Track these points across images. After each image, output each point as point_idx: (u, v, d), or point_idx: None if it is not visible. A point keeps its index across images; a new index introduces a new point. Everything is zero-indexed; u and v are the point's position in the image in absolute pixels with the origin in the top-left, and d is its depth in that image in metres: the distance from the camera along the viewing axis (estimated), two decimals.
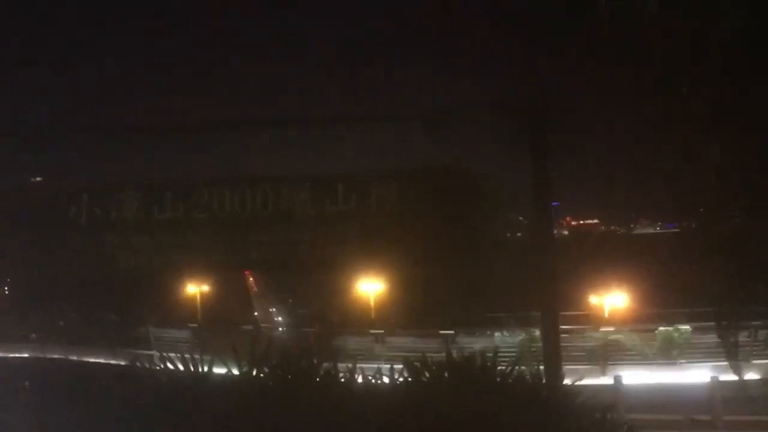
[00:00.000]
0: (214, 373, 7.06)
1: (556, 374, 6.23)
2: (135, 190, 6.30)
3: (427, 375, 7.12)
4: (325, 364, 7.30)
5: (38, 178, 6.65)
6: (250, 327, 23.49)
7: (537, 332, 19.07)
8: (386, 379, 7.30)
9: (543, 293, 6.05)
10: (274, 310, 45.15)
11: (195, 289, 37.43)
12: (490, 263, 6.99)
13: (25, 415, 7.01)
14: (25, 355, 24.85)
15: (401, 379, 7.37)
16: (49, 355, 24.33)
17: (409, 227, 6.32)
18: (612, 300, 25.69)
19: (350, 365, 6.28)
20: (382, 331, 19.74)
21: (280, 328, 29.75)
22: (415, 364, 7.47)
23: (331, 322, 26.70)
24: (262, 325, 28.96)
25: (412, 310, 25.26)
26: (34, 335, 25.82)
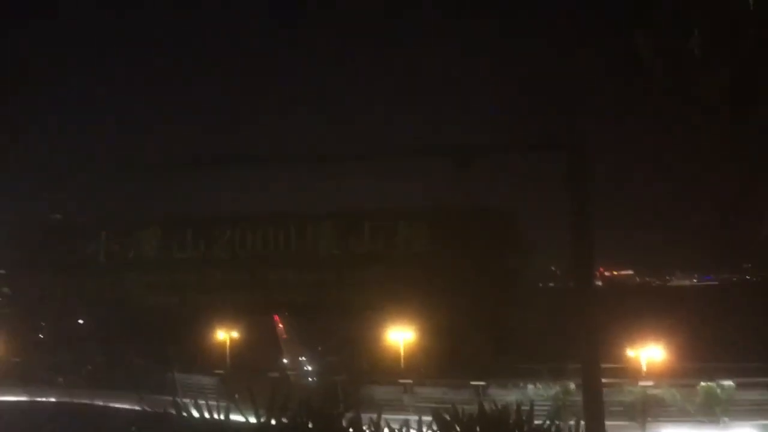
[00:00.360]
0: (232, 420, 6.73)
1: (598, 431, 5.75)
2: (154, 227, 6.08)
3: (458, 429, 6.69)
4: (349, 414, 6.92)
5: (57, 215, 6.47)
6: (276, 374, 23.02)
7: (572, 385, 18.36)
8: None
9: (584, 345, 5.60)
10: (302, 357, 44.61)
11: (224, 335, 37.23)
12: (523, 312, 6.57)
13: None
14: (52, 399, 24.66)
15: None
16: (75, 400, 24.10)
17: (439, 270, 5.97)
18: (649, 353, 24.77)
19: (375, 416, 5.87)
20: (411, 381, 19.11)
21: (309, 377, 29.19)
22: (446, 416, 7.04)
23: (360, 370, 26.13)
24: (290, 372, 28.44)
25: (441, 359, 24.60)
26: (61, 379, 25.68)
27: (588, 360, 5.76)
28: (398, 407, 17.43)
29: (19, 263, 6.34)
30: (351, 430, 6.46)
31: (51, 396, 24.59)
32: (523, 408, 7.11)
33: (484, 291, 5.98)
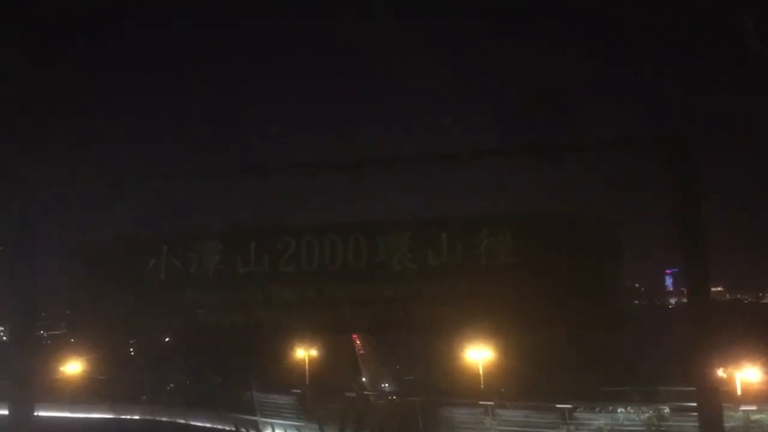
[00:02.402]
0: None
1: None
2: (215, 240, 5.66)
3: None
4: None
5: (120, 232, 6.15)
6: (353, 394, 22.52)
7: (666, 409, 17.04)
8: None
9: (700, 368, 4.78)
10: (380, 376, 44.18)
11: (303, 353, 37.21)
12: (614, 331, 5.77)
13: None
14: (136, 417, 25.00)
15: None
16: (157, 417, 24.34)
17: (525, 283, 5.29)
18: (744, 374, 23.00)
19: None
20: (492, 403, 18.19)
21: (387, 397, 28.60)
22: None
23: (438, 391, 25.36)
24: (367, 392, 27.93)
25: (525, 380, 23.57)
26: (144, 397, 26.06)
27: (705, 383, 4.93)
28: (479, 430, 16.58)
29: (81, 281, 6.04)
30: None
31: (135, 413, 24.94)
32: None
33: (571, 306, 5.26)
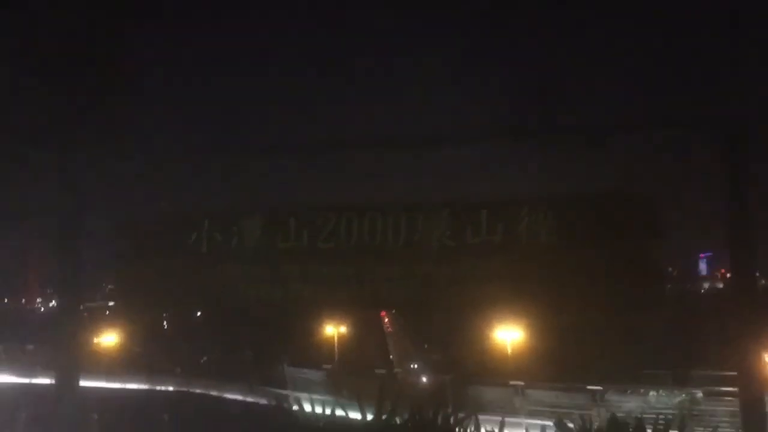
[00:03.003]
0: (342, 418, 6.36)
1: None
2: (257, 216, 5.72)
3: None
4: (461, 415, 6.36)
5: (162, 203, 6.25)
6: (383, 371, 22.73)
7: (699, 393, 16.88)
8: None
9: (743, 352, 4.72)
10: (409, 354, 44.39)
11: (333, 330, 37.62)
12: (651, 313, 5.72)
13: None
14: (171, 388, 25.57)
15: None
16: (191, 389, 24.86)
17: (562, 265, 5.26)
18: None
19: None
20: (522, 383, 18.21)
21: (415, 375, 28.79)
22: (569, 425, 6.32)
23: (467, 370, 25.46)
24: (396, 370, 28.14)
25: (556, 361, 23.50)
26: (179, 369, 26.62)
27: (747, 368, 4.87)
28: (509, 410, 16.58)
29: (126, 255, 6.17)
30: None
31: (170, 385, 25.51)
32: (659, 423, 6.29)
33: (608, 288, 5.22)
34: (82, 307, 6.86)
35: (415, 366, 37.34)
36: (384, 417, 5.89)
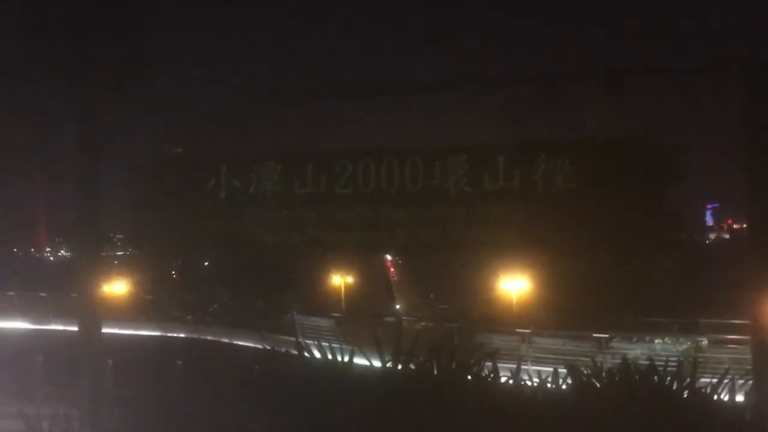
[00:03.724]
0: (356, 364, 6.45)
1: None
2: (274, 161, 5.75)
3: (598, 386, 6.05)
4: (472, 360, 6.46)
5: (178, 149, 6.27)
6: (392, 319, 23.05)
7: (705, 341, 17.09)
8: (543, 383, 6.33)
9: (756, 300, 4.78)
10: (415, 304, 44.89)
11: (340, 279, 38.04)
12: (662, 261, 5.78)
13: (172, 390, 6.88)
14: (182, 335, 26.00)
15: (564, 386, 6.35)
16: (202, 336, 25.28)
17: (579, 211, 5.30)
18: None
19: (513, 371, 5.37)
20: (529, 331, 18.47)
21: (422, 323, 29.17)
22: (583, 370, 6.42)
23: (473, 318, 25.78)
24: (404, 318, 28.53)
25: (562, 309, 23.78)
26: (189, 317, 27.01)
27: (760, 314, 4.95)
28: (516, 357, 16.87)
29: (140, 199, 6.20)
30: (480, 380, 5.98)
31: (181, 332, 25.95)
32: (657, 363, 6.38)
33: (623, 236, 5.26)
34: (102, 255, 6.95)
35: (422, 315, 37.86)
36: (398, 364, 5.99)
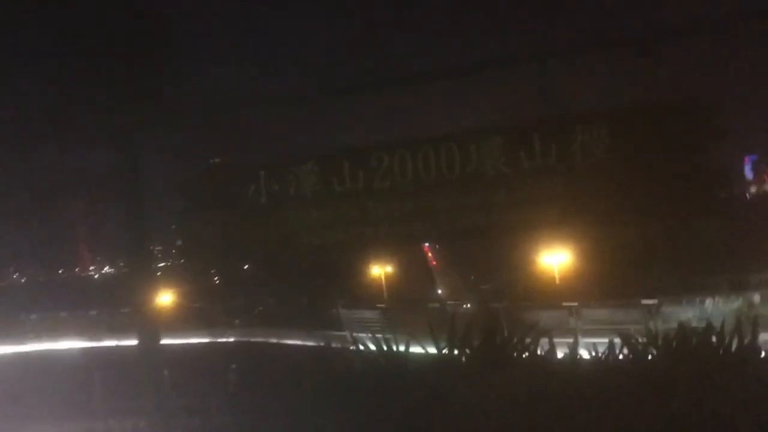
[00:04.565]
0: (411, 353, 6.50)
1: None
2: (312, 162, 5.82)
3: (655, 353, 6.03)
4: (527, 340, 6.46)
5: (216, 160, 6.37)
6: (437, 305, 23.10)
7: (757, 297, 16.79)
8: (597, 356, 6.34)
9: None
10: (457, 287, 44.81)
11: (379, 270, 38.19)
12: (712, 220, 5.71)
13: (233, 395, 7.01)
14: (231, 339, 26.42)
15: (621, 356, 6.34)
16: (251, 339, 25.65)
17: (620, 179, 5.26)
18: None
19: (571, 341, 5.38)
20: (576, 304, 18.33)
21: (466, 305, 29.15)
22: (638, 339, 6.40)
23: (517, 297, 25.66)
24: (448, 302, 28.54)
25: (610, 279, 23.54)
26: (237, 321, 27.44)
27: None
28: (566, 331, 16.78)
29: (184, 211, 6.34)
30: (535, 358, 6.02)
31: (230, 337, 26.37)
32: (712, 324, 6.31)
33: (676, 197, 5.20)
34: (153, 268, 7.12)
35: (465, 297, 37.81)
36: (452, 350, 6.02)
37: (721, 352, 5.83)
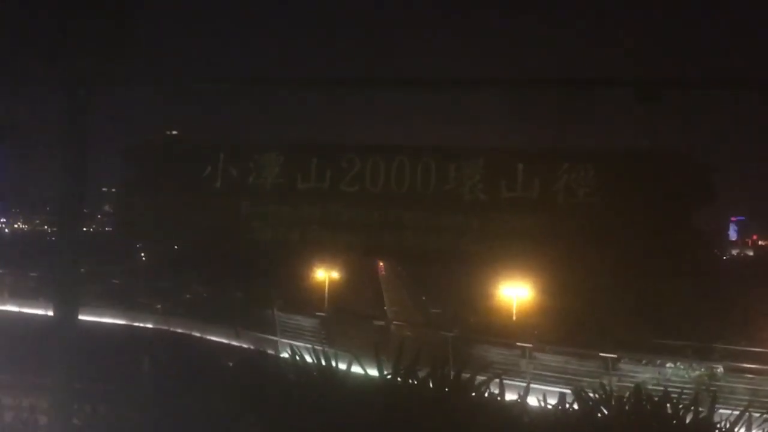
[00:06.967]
0: (351, 372, 6.57)
1: None
2: (277, 153, 5.87)
3: (606, 413, 6.27)
4: (466, 376, 6.61)
5: (174, 132, 6.40)
6: (381, 323, 23.22)
7: (720, 369, 17.36)
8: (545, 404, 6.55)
9: None
10: (406, 307, 45.07)
11: (324, 274, 38.13)
12: (687, 280, 5.98)
13: (142, 391, 6.97)
14: (149, 325, 26.04)
15: (571, 409, 6.56)
16: (172, 329, 25.32)
17: (599, 226, 5.45)
18: None
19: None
20: (530, 345, 18.69)
21: (413, 329, 29.39)
22: (590, 394, 6.62)
23: (468, 327, 26.00)
24: (394, 322, 28.73)
25: (570, 325, 24.01)
26: (159, 306, 26.99)
27: None
28: (514, 373, 17.11)
29: (129, 181, 6.34)
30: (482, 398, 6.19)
31: (149, 322, 25.96)
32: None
33: (654, 255, 5.41)
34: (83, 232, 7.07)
35: (413, 319, 38.08)
36: (395, 377, 6.13)
37: (674, 422, 6.08)
